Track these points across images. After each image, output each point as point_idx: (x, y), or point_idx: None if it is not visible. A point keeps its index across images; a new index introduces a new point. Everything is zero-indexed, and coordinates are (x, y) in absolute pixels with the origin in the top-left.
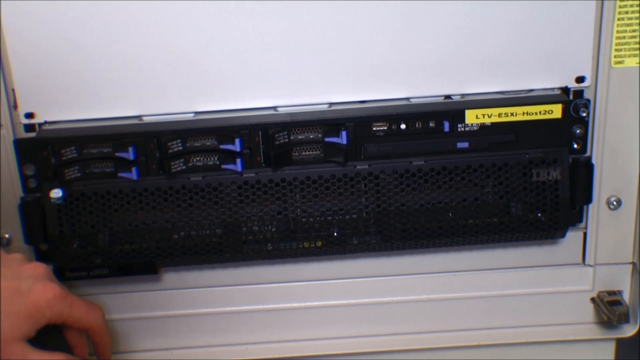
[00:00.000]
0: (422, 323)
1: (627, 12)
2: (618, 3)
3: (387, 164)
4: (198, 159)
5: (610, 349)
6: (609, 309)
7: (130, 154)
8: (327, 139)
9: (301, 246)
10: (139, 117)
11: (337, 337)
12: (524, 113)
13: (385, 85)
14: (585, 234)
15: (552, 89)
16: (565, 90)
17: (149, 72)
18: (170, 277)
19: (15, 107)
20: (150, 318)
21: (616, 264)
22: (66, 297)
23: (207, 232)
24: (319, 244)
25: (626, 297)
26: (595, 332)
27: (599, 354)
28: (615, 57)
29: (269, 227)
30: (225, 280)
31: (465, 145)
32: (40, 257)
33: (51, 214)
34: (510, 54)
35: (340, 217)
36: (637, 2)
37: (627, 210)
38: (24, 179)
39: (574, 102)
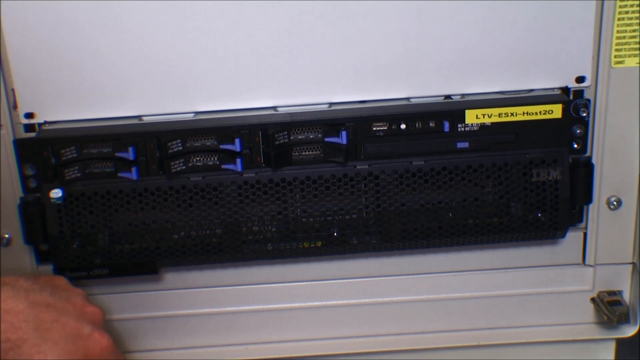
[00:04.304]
0: (422, 323)
1: (627, 12)
2: (618, 3)
3: (387, 164)
4: (198, 159)
5: (610, 349)
6: (609, 309)
7: (130, 154)
8: (327, 139)
9: (301, 246)
10: (139, 117)
11: (337, 337)
12: (524, 113)
13: (385, 85)
14: (585, 234)
15: (552, 89)
16: (565, 90)
17: (149, 72)
18: (170, 277)
19: (15, 107)
20: (150, 318)
21: (616, 264)
22: (115, 351)
23: (207, 232)
24: (319, 244)
25: (626, 297)
26: (595, 332)
27: (599, 354)
28: (615, 57)
29: (269, 227)
30: (225, 280)
31: (465, 145)
32: (40, 257)
33: (51, 214)
34: (510, 54)
35: (340, 217)
36: (637, 2)
37: (627, 210)
38: (24, 179)
39: (574, 102)
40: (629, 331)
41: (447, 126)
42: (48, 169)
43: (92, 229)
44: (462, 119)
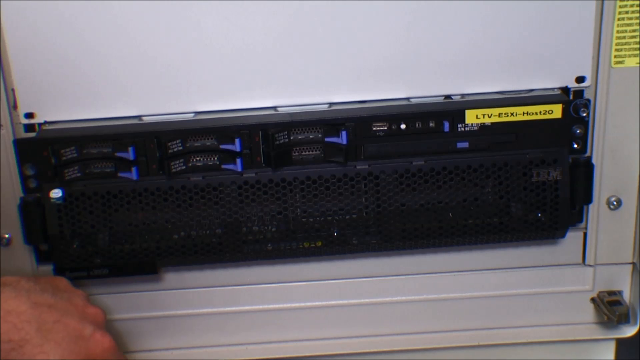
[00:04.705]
0: (422, 323)
1: (627, 12)
2: (618, 3)
3: (387, 164)
4: (198, 159)
5: (610, 349)
6: (609, 309)
7: (130, 154)
8: (327, 139)
9: (301, 246)
10: (139, 117)
11: (337, 337)
12: (524, 113)
13: (385, 85)
14: (585, 234)
15: (552, 89)
16: (565, 90)
17: (149, 72)
18: (170, 277)
19: (15, 107)
20: (150, 318)
21: (616, 264)
22: (117, 351)
23: (207, 232)
24: (319, 244)
25: (626, 297)
26: (595, 332)
27: (599, 354)
28: (615, 57)
29: (269, 227)
30: (225, 280)
31: (465, 145)
32: (40, 257)
33: (51, 214)
34: (510, 54)
35: (340, 217)
36: (637, 2)
37: (627, 210)
38: (24, 179)
39: (574, 102)
40: (629, 331)
41: (447, 126)
42: (48, 169)
43: (92, 229)
44: (462, 119)
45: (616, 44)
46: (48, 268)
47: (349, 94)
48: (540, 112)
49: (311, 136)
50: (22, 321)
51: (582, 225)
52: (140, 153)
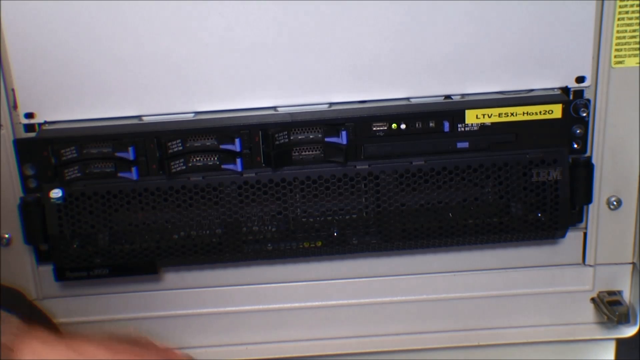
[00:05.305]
0: (422, 323)
1: (627, 12)
2: (618, 3)
3: (387, 164)
4: (198, 159)
5: (610, 349)
6: (609, 309)
7: (130, 154)
8: (327, 139)
9: (301, 246)
10: (139, 117)
11: (337, 337)
12: (524, 113)
13: (385, 85)
14: (585, 234)
15: (552, 89)
16: (565, 90)
17: (149, 72)
18: (170, 277)
19: (15, 107)
20: (150, 318)
21: (616, 264)
22: None
23: (207, 232)
24: (319, 244)
25: (626, 297)
26: (595, 332)
27: (599, 354)
28: (615, 57)
29: (269, 227)
30: (225, 280)
31: (465, 145)
32: (41, 257)
33: (51, 214)
34: (510, 54)
35: (340, 217)
36: (637, 2)
37: (627, 210)
38: (24, 179)
39: (574, 102)
40: (629, 331)
41: (447, 126)
42: (48, 169)
43: (92, 229)
44: (462, 119)
45: (616, 44)
46: (48, 268)
47: (349, 94)
48: (540, 112)
49: (311, 136)
50: None
51: (582, 225)
52: (140, 153)
